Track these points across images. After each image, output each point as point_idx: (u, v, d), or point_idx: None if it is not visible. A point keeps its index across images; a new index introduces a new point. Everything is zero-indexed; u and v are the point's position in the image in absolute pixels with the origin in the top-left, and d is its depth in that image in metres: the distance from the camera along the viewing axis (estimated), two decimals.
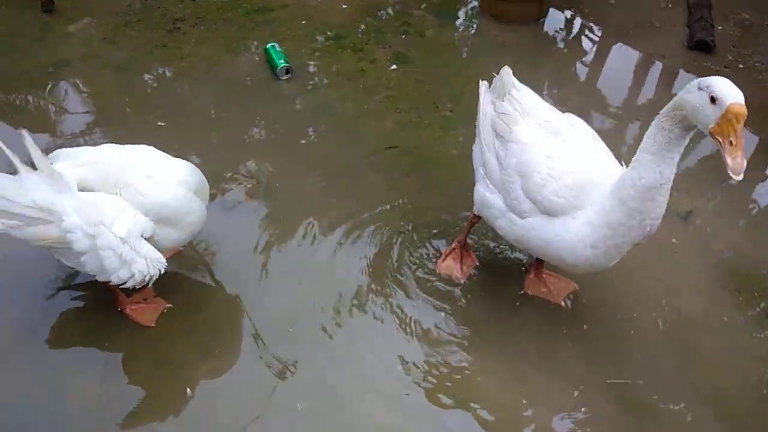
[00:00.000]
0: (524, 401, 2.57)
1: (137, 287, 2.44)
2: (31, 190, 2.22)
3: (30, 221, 2.23)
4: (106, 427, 2.43)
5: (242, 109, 3.87)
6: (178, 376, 2.58)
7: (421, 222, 3.23)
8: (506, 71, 2.74)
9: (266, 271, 2.98)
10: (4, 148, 2.23)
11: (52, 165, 2.28)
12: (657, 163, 2.11)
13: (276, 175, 3.46)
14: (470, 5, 4.88)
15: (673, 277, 3.04)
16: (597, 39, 4.65)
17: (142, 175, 2.39)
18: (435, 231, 3.19)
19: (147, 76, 4.06)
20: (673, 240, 3.20)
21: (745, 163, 1.90)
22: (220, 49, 4.25)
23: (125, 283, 2.36)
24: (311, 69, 4.17)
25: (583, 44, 4.60)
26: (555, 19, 4.77)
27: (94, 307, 2.78)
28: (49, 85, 3.94)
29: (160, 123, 3.74)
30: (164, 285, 2.80)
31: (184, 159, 2.59)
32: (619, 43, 4.60)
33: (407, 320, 2.82)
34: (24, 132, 2.21)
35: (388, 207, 3.30)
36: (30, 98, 3.90)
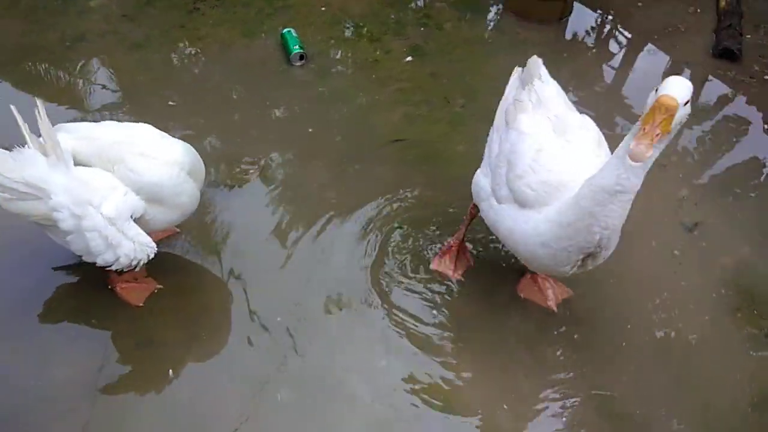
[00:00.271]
0: (505, 406, 2.54)
1: (124, 270, 2.46)
2: (24, 165, 2.24)
3: (21, 196, 2.25)
4: (88, 402, 2.47)
5: (253, 93, 3.87)
6: (162, 357, 2.61)
7: (423, 217, 3.21)
8: (534, 60, 2.70)
9: (261, 258, 2.99)
10: (18, 117, 2.25)
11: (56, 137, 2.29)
12: (617, 167, 2.05)
13: (282, 161, 3.46)
14: (494, 1, 4.80)
15: (673, 289, 2.97)
16: (621, 41, 4.54)
17: (135, 153, 2.39)
18: (435, 227, 3.16)
19: (162, 55, 4.08)
20: (676, 252, 3.12)
21: (647, 154, 1.89)
22: (236, 32, 4.25)
23: (111, 265, 2.37)
24: (326, 56, 4.14)
25: (606, 46, 4.49)
26: (579, 19, 4.66)
27: (86, 283, 2.82)
28: (81, 63, 3.99)
29: (171, 102, 3.77)
30: (157, 265, 2.83)
31: (190, 140, 2.60)
32: (643, 47, 4.48)
33: (400, 318, 2.81)
34: (39, 102, 2.23)
35: (391, 200, 3.27)
36: (46, 71, 3.95)
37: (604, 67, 4.34)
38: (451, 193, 3.29)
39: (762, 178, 3.61)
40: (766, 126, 3.89)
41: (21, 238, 2.85)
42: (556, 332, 2.80)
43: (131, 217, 2.37)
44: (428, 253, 3.05)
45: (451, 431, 2.49)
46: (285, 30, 4.10)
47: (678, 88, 1.94)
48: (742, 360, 2.74)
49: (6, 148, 2.31)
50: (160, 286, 2.81)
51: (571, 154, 2.41)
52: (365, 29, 4.38)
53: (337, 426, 2.48)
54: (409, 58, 4.17)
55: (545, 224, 2.30)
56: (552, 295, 2.88)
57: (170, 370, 2.56)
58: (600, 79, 4.24)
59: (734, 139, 3.78)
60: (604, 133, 3.50)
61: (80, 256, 2.39)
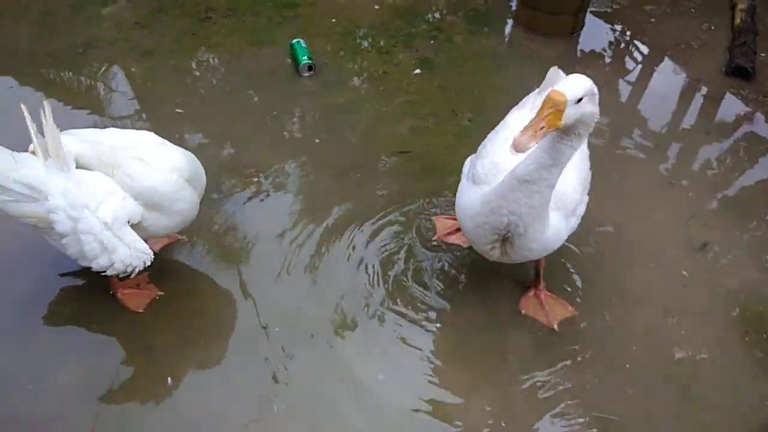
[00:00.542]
0: (503, 424, 2.50)
1: (120, 276, 2.45)
2: (24, 167, 2.26)
3: (19, 197, 2.27)
4: (88, 406, 2.46)
5: (261, 103, 3.88)
6: (161, 363, 2.59)
7: (426, 228, 3.18)
8: (554, 71, 2.81)
9: (264, 267, 2.97)
10: (27, 116, 2.27)
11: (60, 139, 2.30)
12: (533, 159, 2.18)
13: (288, 171, 3.46)
14: (505, 14, 4.79)
15: (680, 310, 2.92)
16: (634, 57, 4.51)
17: (133, 158, 2.39)
18: (437, 242, 3.13)
19: (172, 63, 4.10)
20: (684, 272, 3.07)
21: (528, 144, 1.95)
22: (246, 42, 4.27)
23: (105, 270, 2.37)
24: (334, 67, 4.15)
25: (618, 61, 4.47)
26: (590, 34, 4.64)
27: (89, 288, 2.82)
28: (92, 69, 4.02)
29: (178, 110, 3.78)
30: (159, 272, 2.84)
31: (197, 147, 2.61)
32: (656, 64, 4.45)
33: (399, 331, 2.78)
34: (45, 103, 2.24)
35: (395, 212, 3.26)
36: (58, 76, 3.99)
37: (617, 81, 4.31)
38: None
39: None
40: None
41: (26, 240, 2.85)
42: (558, 352, 2.75)
43: (128, 222, 2.37)
44: (431, 266, 3.02)
45: None
46: (294, 41, 4.12)
47: (570, 85, 2.02)
48: (749, 384, 2.68)
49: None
50: (162, 293, 2.81)
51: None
52: (374, 40, 4.39)
53: None
54: (417, 71, 4.17)
55: (477, 200, 2.44)
56: (554, 313, 2.84)
57: (169, 378, 2.54)
58: (612, 94, 4.21)
59: (746, 159, 3.73)
60: (615, 149, 3.46)
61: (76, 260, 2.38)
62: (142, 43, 4.19)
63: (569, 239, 3.14)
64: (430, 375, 2.64)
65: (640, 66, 4.45)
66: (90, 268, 2.38)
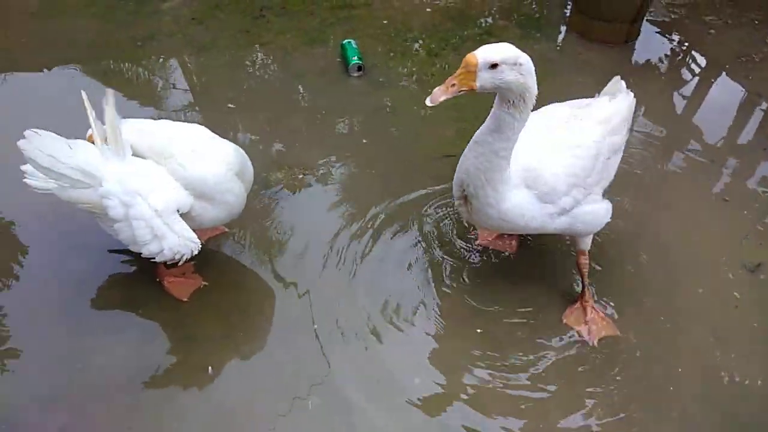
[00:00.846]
0: None
1: (168, 263, 2.52)
2: (79, 153, 2.34)
3: (74, 183, 2.35)
4: (130, 390, 2.53)
5: (310, 101, 3.93)
6: (202, 352, 2.65)
7: (468, 233, 3.17)
8: (615, 80, 2.82)
9: (305, 263, 3.00)
10: (86, 102, 2.34)
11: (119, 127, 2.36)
12: (485, 123, 2.34)
13: (334, 169, 3.50)
14: (558, 20, 4.73)
15: (729, 333, 2.82)
16: (691, 68, 4.40)
17: (187, 149, 2.46)
18: (480, 249, 3.11)
19: (226, 59, 4.19)
20: (736, 294, 2.96)
21: (438, 96, 2.12)
22: (298, 41, 4.33)
23: (155, 257, 2.43)
24: (383, 68, 4.17)
25: (673, 72, 4.36)
26: (646, 43, 4.55)
27: (136, 274, 2.90)
28: (150, 61, 4.14)
29: (230, 105, 3.86)
30: (205, 262, 2.90)
31: (246, 142, 2.67)
32: (713, 76, 4.33)
33: (441, 333, 2.77)
34: (109, 91, 2.30)
35: (438, 214, 3.26)
36: (117, 67, 4.12)
37: (672, 92, 4.21)
38: None
39: None
40: None
41: (78, 224, 2.95)
42: (599, 370, 2.69)
43: (178, 211, 2.43)
44: (473, 269, 3.00)
45: None
46: (346, 41, 4.15)
47: (486, 50, 2.14)
48: None
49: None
50: (206, 283, 2.87)
51: (546, 138, 2.59)
52: (424, 42, 4.39)
53: None
54: None
55: None
56: (597, 330, 2.79)
57: (210, 367, 2.59)
58: (666, 105, 4.11)
59: None
60: (667, 162, 3.36)
61: (127, 246, 2.46)
62: (198, 38, 4.29)
63: (616, 251, 3.12)
64: (462, 383, 2.62)
65: (697, 78, 4.33)
66: (140, 254, 2.45)
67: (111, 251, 2.94)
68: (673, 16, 4.79)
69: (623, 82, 2.80)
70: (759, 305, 2.93)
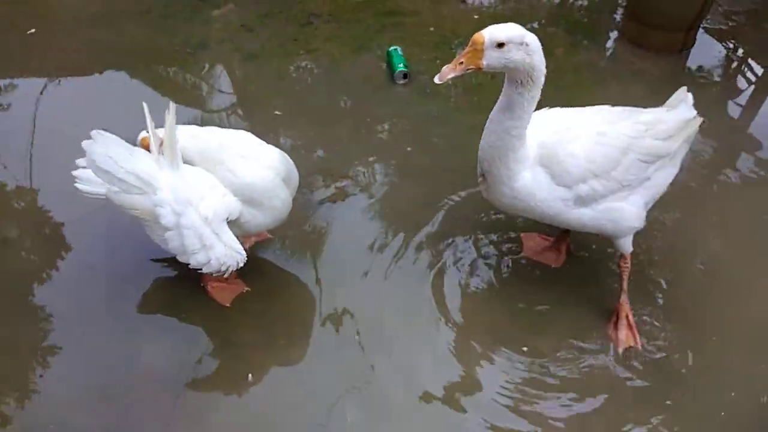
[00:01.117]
0: None
1: (212, 274, 2.55)
2: (138, 160, 2.40)
3: (129, 188, 2.40)
4: (170, 393, 2.57)
5: (355, 108, 3.94)
6: (243, 359, 2.67)
7: (511, 245, 3.12)
8: (681, 91, 2.77)
9: (347, 271, 3.00)
10: (147, 113, 2.40)
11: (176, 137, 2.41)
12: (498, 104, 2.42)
13: (378, 177, 3.49)
14: (609, 27, 4.62)
15: None
16: (746, 77, 4.23)
17: (236, 155, 2.49)
18: (524, 262, 3.05)
19: (274, 66, 4.23)
20: None
21: (446, 74, 2.24)
22: (345, 48, 4.34)
23: (202, 267, 2.46)
24: (430, 76, 4.13)
25: (729, 81, 4.20)
26: (702, 52, 4.39)
27: (182, 279, 2.93)
28: (207, 65, 4.23)
29: (277, 112, 3.89)
30: (248, 268, 2.91)
31: (292, 149, 2.69)
32: None
33: (483, 346, 2.73)
34: (172, 104, 2.34)
35: (481, 225, 3.21)
36: (169, 73, 4.22)
37: (727, 102, 4.06)
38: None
39: None
40: None
41: (125, 227, 3.01)
42: (648, 392, 2.60)
43: (228, 218, 2.46)
44: (516, 281, 2.95)
45: None
46: (392, 48, 4.14)
47: (493, 29, 2.20)
48: None
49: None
50: (248, 289, 2.89)
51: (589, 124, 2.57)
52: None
53: None
54: None
55: None
56: (620, 337, 2.75)
57: (250, 375, 2.61)
58: (721, 115, 3.97)
59: None
60: (719, 174, 3.20)
61: (175, 255, 2.50)
62: (247, 45, 4.35)
63: (668, 267, 3.01)
64: (513, 397, 2.57)
65: (753, 87, 4.16)
66: (187, 265, 2.49)
67: (153, 256, 2.99)
68: (730, 24, 4.62)
69: (690, 95, 2.72)
70: None
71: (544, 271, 3.03)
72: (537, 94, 2.35)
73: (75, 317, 2.82)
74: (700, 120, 2.71)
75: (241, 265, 2.53)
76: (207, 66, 4.25)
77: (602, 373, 2.66)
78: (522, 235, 3.13)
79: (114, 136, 2.46)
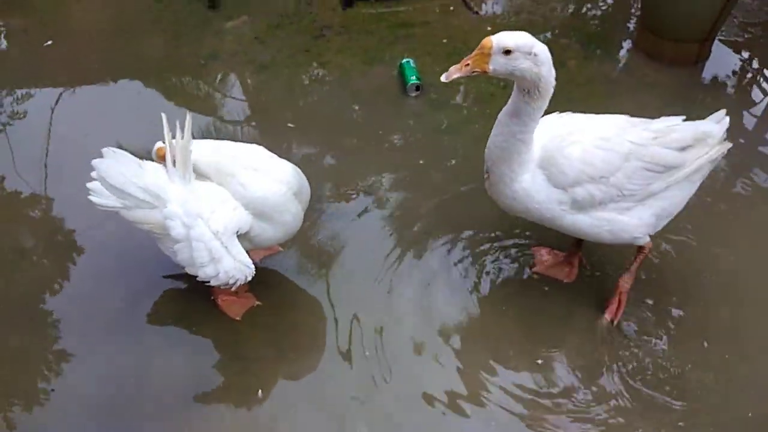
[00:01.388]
0: None
1: (221, 287, 2.54)
2: (148, 174, 2.41)
3: (139, 203, 2.41)
4: (180, 407, 2.57)
5: (367, 121, 3.93)
6: (253, 373, 2.66)
7: (524, 258, 3.10)
8: (719, 114, 2.72)
9: (359, 285, 2.99)
10: (165, 125, 2.39)
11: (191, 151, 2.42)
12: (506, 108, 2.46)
13: (390, 189, 3.48)
14: (623, 39, 4.60)
15: None
16: (762, 89, 4.18)
17: (248, 168, 2.49)
18: (536, 276, 3.03)
19: (286, 78, 4.24)
20: None
21: (452, 75, 2.29)
22: (357, 60, 4.34)
23: (209, 281, 2.46)
24: (442, 88, 4.12)
25: (743, 93, 4.16)
26: (717, 64, 4.34)
27: (192, 292, 2.93)
28: (219, 76, 4.25)
29: (290, 124, 3.89)
30: (258, 281, 2.91)
31: (304, 161, 2.69)
32: None
33: (494, 365, 2.70)
34: (189, 116, 2.36)
35: (496, 240, 3.19)
36: (181, 84, 4.24)
37: (742, 114, 4.01)
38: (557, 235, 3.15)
39: None
40: None
41: (137, 239, 2.99)
42: (657, 404, 2.57)
43: (238, 232, 2.46)
44: (528, 296, 2.92)
45: None
46: (404, 60, 4.14)
47: (502, 35, 2.24)
48: None
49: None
50: (259, 303, 2.88)
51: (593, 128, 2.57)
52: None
53: None
54: None
55: None
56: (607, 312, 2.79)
57: (260, 391, 2.60)
58: (736, 127, 3.91)
59: None
60: (732, 186, 3.13)
61: (184, 268, 2.50)
62: (259, 57, 4.36)
63: (680, 284, 2.97)
64: (520, 412, 2.55)
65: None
66: (195, 277, 2.49)
67: (164, 269, 2.99)
68: (746, 36, 4.57)
69: (727, 118, 2.66)
70: None
71: (556, 286, 2.99)
72: (544, 105, 2.36)
73: (86, 328, 2.83)
74: (728, 145, 2.65)
75: (250, 279, 2.53)
76: (219, 77, 4.27)
77: (613, 388, 2.63)
78: (534, 249, 3.10)
79: (124, 152, 2.48)
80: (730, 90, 4.20)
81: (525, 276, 3.04)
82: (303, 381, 2.66)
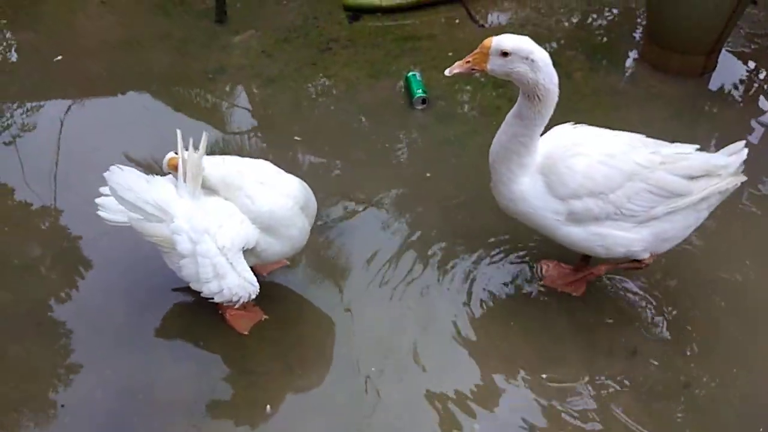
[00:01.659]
0: None
1: (224, 303, 2.55)
2: (156, 189, 2.44)
3: (148, 217, 2.44)
4: (187, 421, 2.56)
5: (373, 134, 3.94)
6: (260, 388, 2.66)
7: (531, 271, 3.10)
8: (737, 144, 2.66)
9: (366, 298, 2.99)
10: (180, 140, 2.43)
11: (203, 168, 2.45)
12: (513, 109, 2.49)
13: (395, 202, 3.48)
14: (629, 50, 4.60)
15: None
16: None
17: (255, 181, 2.51)
18: (544, 289, 3.02)
19: (293, 91, 4.26)
20: None
21: (454, 68, 2.43)
22: (363, 73, 4.36)
23: (214, 296, 2.47)
24: (448, 101, 4.15)
25: (753, 104, 4.14)
26: (724, 75, 4.34)
27: (200, 306, 2.91)
28: (220, 93, 4.28)
29: (296, 138, 3.91)
30: (264, 295, 2.91)
31: (311, 175, 2.71)
32: None
33: (498, 378, 2.70)
34: (205, 135, 2.42)
35: (503, 253, 3.19)
36: (189, 98, 4.26)
37: (749, 126, 3.99)
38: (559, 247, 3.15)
39: None
40: None
41: (145, 251, 3.01)
42: (665, 418, 2.55)
43: (245, 246, 2.47)
44: (536, 310, 2.91)
45: None
46: (410, 73, 4.16)
47: (501, 37, 2.31)
48: None
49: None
50: (267, 317, 2.89)
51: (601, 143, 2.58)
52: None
53: None
54: None
55: None
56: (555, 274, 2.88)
57: (268, 406, 2.60)
58: (745, 138, 3.89)
59: None
60: (740, 199, 3.26)
61: (188, 283, 2.52)
62: (266, 71, 4.39)
63: (687, 295, 2.96)
64: (526, 427, 2.54)
65: None
66: (200, 293, 2.50)
67: (172, 282, 2.99)
68: (753, 47, 4.57)
69: (745, 150, 2.62)
70: None
71: (564, 299, 2.98)
72: (546, 111, 2.38)
73: (93, 342, 2.84)
74: (742, 178, 2.62)
75: (253, 297, 2.54)
76: (227, 91, 4.30)
77: (620, 401, 2.61)
78: (542, 262, 3.09)
79: (131, 168, 2.52)
80: (736, 100, 4.19)
81: (532, 290, 3.03)
82: (310, 394, 2.66)
